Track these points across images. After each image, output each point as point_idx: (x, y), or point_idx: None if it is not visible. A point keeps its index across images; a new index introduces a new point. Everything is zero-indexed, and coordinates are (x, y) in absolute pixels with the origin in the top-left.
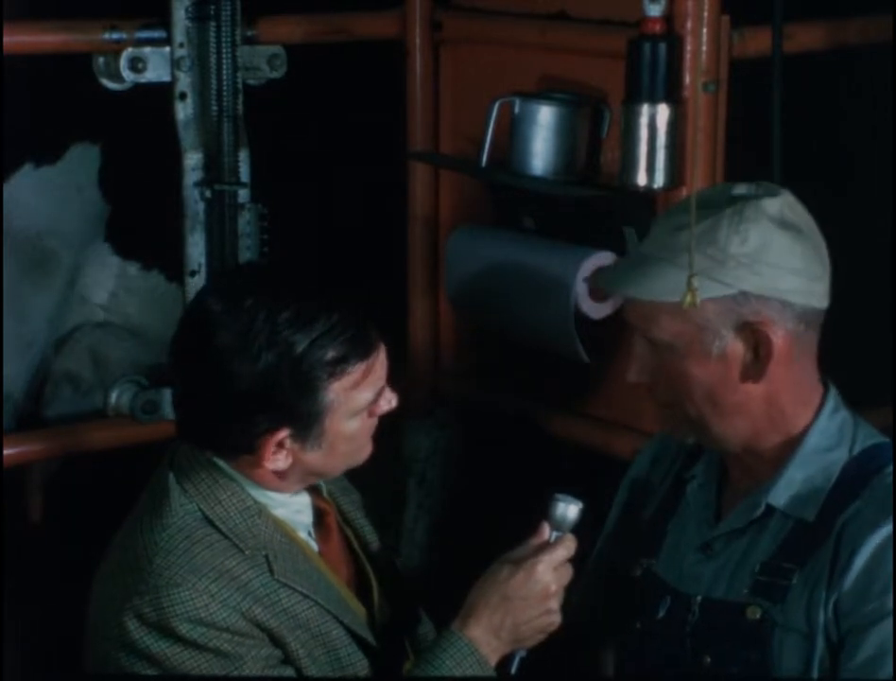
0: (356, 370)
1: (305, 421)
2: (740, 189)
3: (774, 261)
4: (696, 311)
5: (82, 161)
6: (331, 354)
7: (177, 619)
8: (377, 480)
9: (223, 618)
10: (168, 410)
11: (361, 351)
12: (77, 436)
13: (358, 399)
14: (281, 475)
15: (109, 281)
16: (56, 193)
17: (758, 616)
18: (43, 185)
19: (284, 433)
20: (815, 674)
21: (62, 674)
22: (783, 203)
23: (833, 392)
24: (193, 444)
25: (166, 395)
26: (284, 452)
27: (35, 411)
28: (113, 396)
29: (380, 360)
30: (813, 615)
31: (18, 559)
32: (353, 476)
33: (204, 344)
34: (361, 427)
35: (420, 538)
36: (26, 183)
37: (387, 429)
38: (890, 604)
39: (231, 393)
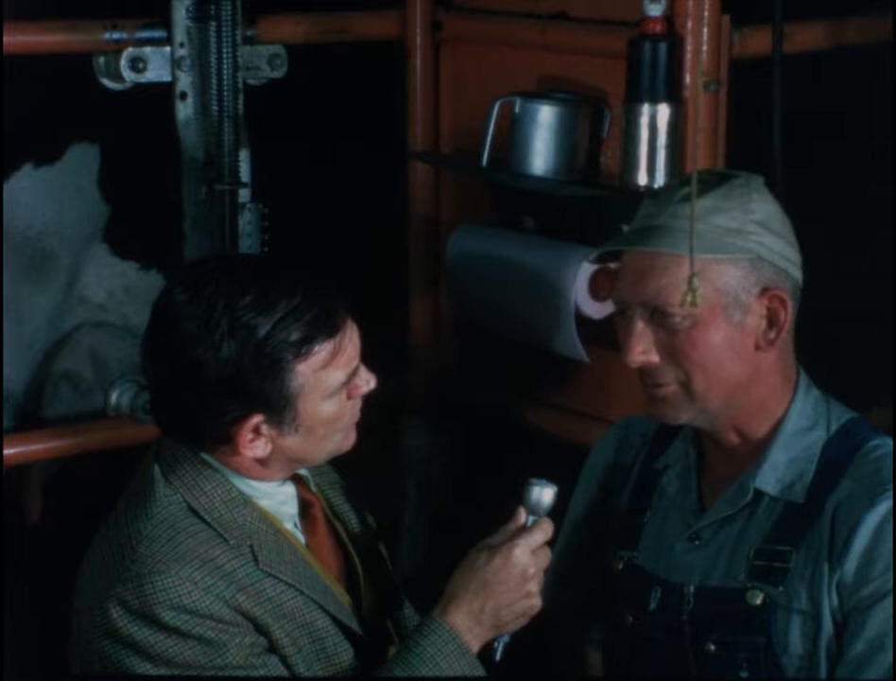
0: (323, 350)
1: (277, 405)
2: (722, 172)
3: (779, 231)
4: (717, 276)
5: (82, 161)
6: (295, 335)
7: (160, 607)
8: (377, 480)
9: (206, 605)
10: None
11: (327, 331)
12: (77, 436)
13: (329, 380)
14: (263, 462)
15: (108, 281)
16: (55, 193)
17: (758, 600)
18: (42, 185)
19: (257, 419)
20: (822, 654)
21: (62, 674)
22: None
23: (802, 371)
24: (171, 436)
25: None
26: (263, 439)
27: (35, 411)
28: (113, 396)
29: (349, 339)
30: (816, 596)
31: (18, 559)
32: (354, 475)
33: (170, 334)
34: (339, 409)
35: (420, 538)
36: (26, 183)
37: (388, 429)
38: (891, 584)
39: (198, 382)
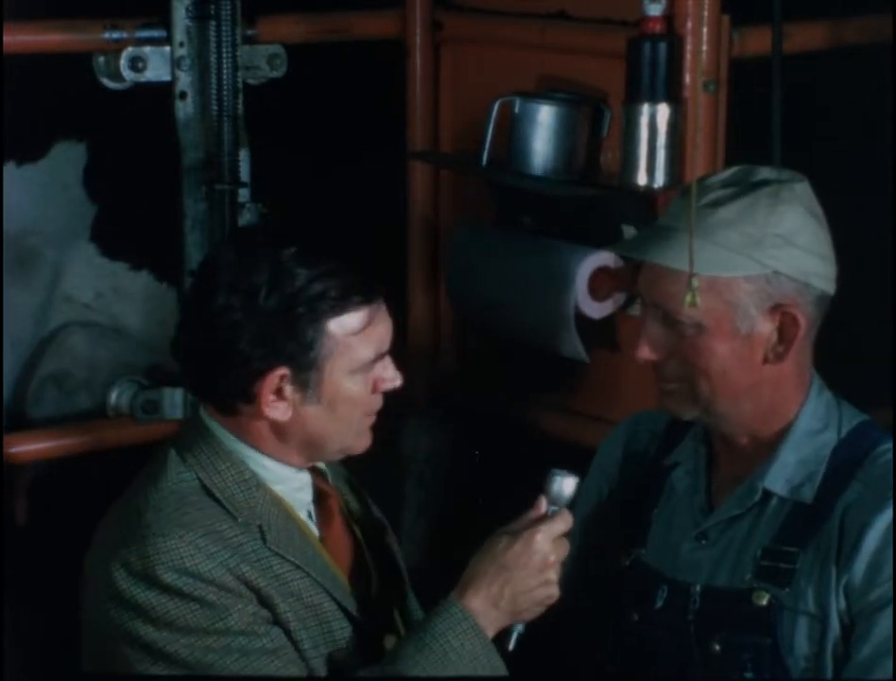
0: (358, 312)
1: (303, 362)
2: (764, 172)
3: (805, 244)
4: (726, 290)
5: (67, 159)
6: (333, 291)
7: (161, 567)
8: (377, 480)
9: (209, 569)
10: (168, 410)
11: (364, 294)
12: (77, 436)
13: (358, 351)
14: (280, 433)
15: (95, 281)
16: (39, 191)
17: (764, 601)
18: (26, 183)
19: (281, 372)
20: (828, 657)
21: (62, 674)
22: (807, 190)
23: (815, 372)
24: (193, 392)
25: (166, 395)
26: (285, 402)
27: (20, 411)
28: (113, 396)
29: (382, 319)
30: (824, 598)
31: (17, 559)
32: (354, 475)
33: (209, 283)
34: (362, 392)
35: (419, 538)
36: (9, 181)
37: (387, 429)
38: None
39: (229, 328)
